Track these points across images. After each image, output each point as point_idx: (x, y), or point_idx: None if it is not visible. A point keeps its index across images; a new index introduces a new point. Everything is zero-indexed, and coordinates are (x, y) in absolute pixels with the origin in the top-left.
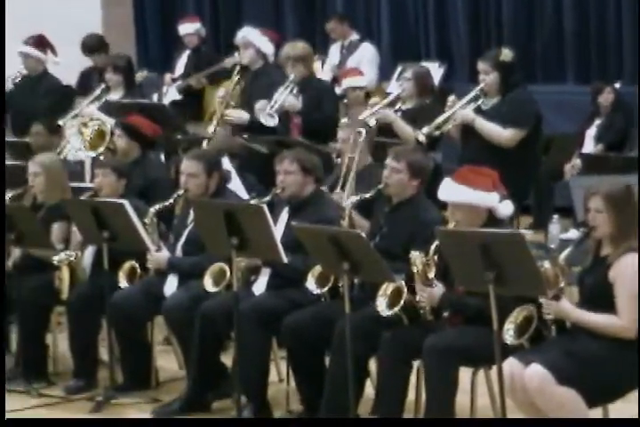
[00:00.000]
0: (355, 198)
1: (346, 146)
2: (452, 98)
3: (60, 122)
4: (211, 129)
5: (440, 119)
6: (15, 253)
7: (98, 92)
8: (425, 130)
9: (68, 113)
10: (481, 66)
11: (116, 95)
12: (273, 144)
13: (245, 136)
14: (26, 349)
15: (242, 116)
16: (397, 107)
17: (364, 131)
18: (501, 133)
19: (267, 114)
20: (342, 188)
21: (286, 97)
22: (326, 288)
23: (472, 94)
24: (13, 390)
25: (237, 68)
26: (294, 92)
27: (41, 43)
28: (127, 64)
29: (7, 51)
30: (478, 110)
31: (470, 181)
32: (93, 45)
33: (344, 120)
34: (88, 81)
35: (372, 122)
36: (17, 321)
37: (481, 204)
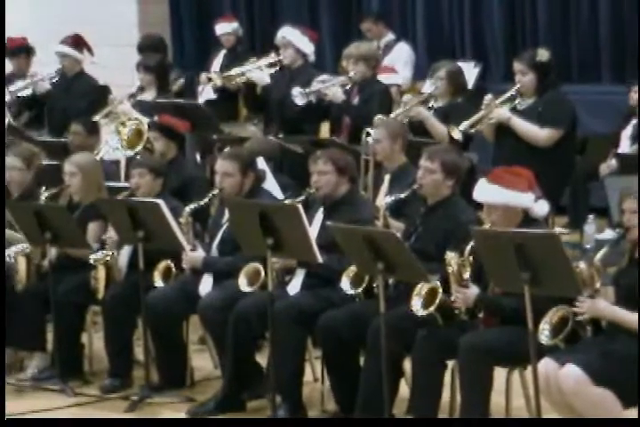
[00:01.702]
0: (389, 199)
1: (380, 145)
2: (488, 97)
3: (96, 118)
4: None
5: (476, 117)
6: (51, 252)
7: (133, 89)
8: (462, 126)
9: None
10: (517, 66)
11: (149, 95)
12: (308, 144)
13: (280, 136)
14: (61, 348)
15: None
16: (430, 105)
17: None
18: (538, 133)
19: (302, 92)
20: (376, 188)
21: (333, 86)
22: (361, 288)
23: (508, 94)
24: (49, 389)
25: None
26: (347, 87)
27: (78, 43)
28: (159, 64)
29: (46, 51)
30: (514, 110)
31: (506, 181)
32: (144, 45)
33: (378, 118)
34: None
35: (405, 120)
36: (53, 320)
37: (516, 204)
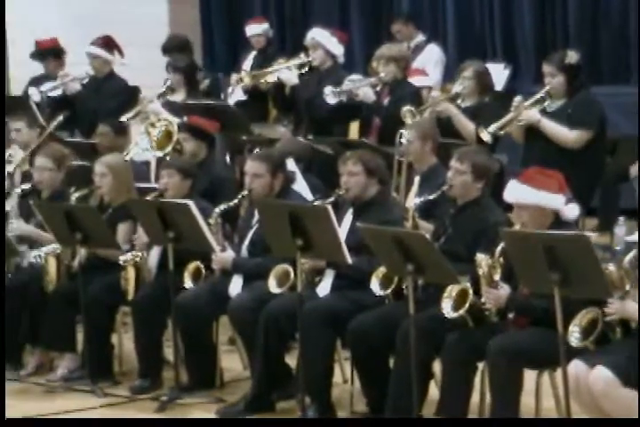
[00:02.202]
0: (418, 200)
1: (411, 146)
2: (517, 99)
3: (124, 118)
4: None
5: (505, 119)
6: (81, 253)
7: (162, 89)
8: (491, 128)
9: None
10: (546, 68)
11: (178, 96)
12: (337, 145)
13: (310, 137)
14: (91, 349)
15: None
16: (457, 104)
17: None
18: (568, 135)
19: (334, 91)
20: (408, 189)
21: (364, 86)
22: (390, 290)
23: (537, 96)
24: (79, 389)
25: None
26: (377, 88)
27: (108, 44)
28: (188, 65)
29: (77, 52)
30: (543, 112)
31: (537, 182)
32: (172, 45)
33: (406, 110)
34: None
35: (428, 114)
36: (83, 321)
37: (547, 205)
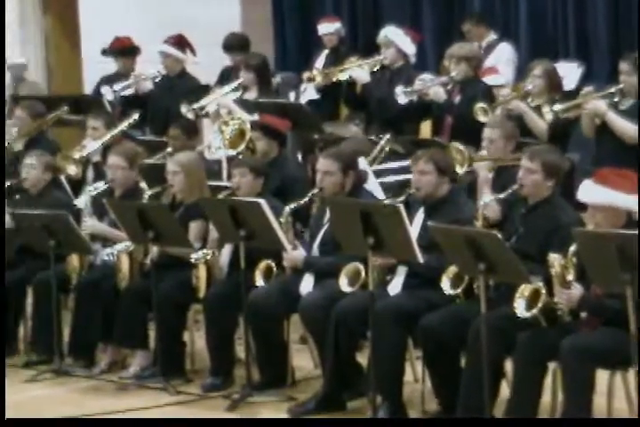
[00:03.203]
0: (489, 198)
1: (493, 145)
2: (587, 88)
3: (195, 106)
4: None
5: (572, 103)
6: (153, 251)
7: (234, 84)
8: (556, 107)
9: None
10: (623, 67)
11: (251, 94)
12: (409, 144)
13: (381, 136)
14: (163, 346)
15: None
16: (527, 102)
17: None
18: (634, 130)
19: (405, 91)
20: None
21: (435, 85)
22: (460, 289)
23: (610, 90)
24: (151, 387)
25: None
26: (448, 87)
27: (180, 42)
28: (261, 63)
29: (150, 51)
30: (615, 108)
31: (612, 182)
32: (233, 44)
33: (479, 107)
34: (227, 79)
35: (499, 111)
36: (155, 319)
37: (622, 205)
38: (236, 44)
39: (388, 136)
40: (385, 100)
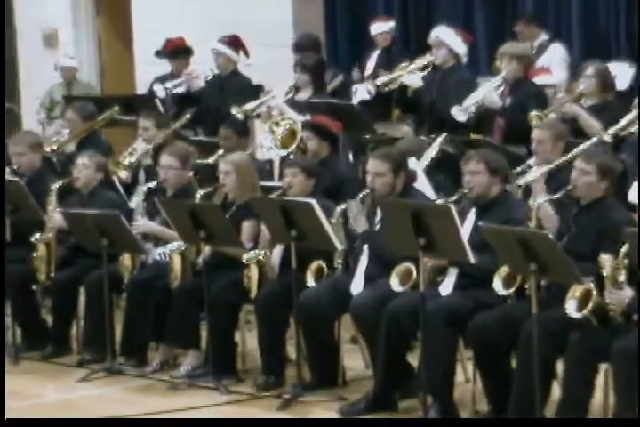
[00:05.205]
0: (543, 199)
1: (542, 146)
2: (637, 100)
3: (246, 107)
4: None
5: (624, 121)
6: (205, 251)
7: (287, 87)
8: (610, 131)
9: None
10: None
11: (304, 95)
12: (460, 144)
13: (433, 136)
14: (215, 346)
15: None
16: (581, 103)
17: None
18: None
19: (462, 108)
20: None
21: (488, 93)
22: (513, 289)
23: None
24: (202, 386)
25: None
26: (500, 89)
27: (235, 43)
28: (316, 64)
29: (201, 53)
30: None
31: None
32: (304, 44)
33: (534, 115)
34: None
35: (554, 115)
36: (207, 319)
37: None
38: (306, 44)
39: (444, 135)
40: (436, 102)
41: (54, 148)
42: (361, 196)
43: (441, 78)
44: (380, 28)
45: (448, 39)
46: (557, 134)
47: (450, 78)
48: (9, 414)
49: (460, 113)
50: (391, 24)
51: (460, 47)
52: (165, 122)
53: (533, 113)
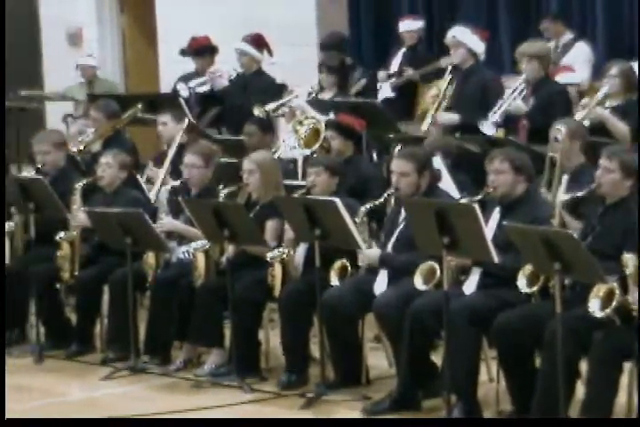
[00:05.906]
0: (565, 197)
1: (559, 145)
2: None
3: (268, 107)
4: (424, 127)
5: None
6: (229, 249)
7: (309, 88)
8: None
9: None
10: None
11: (327, 94)
12: (485, 143)
13: (457, 135)
14: (239, 344)
15: (452, 117)
16: (606, 104)
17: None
18: None
19: (489, 122)
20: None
21: (512, 101)
22: (536, 288)
23: None
24: (226, 384)
25: (450, 67)
26: (523, 93)
27: (258, 42)
28: (340, 64)
29: (225, 52)
30: None
31: None
32: (331, 43)
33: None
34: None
35: (587, 122)
36: (231, 317)
37: None
38: (332, 43)
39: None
40: (458, 103)
41: (81, 148)
42: (385, 195)
43: (462, 78)
44: (409, 25)
45: (466, 38)
46: (571, 133)
47: (470, 79)
48: (32, 413)
49: (487, 127)
50: (420, 23)
51: (478, 45)
52: (184, 116)
53: (556, 128)
